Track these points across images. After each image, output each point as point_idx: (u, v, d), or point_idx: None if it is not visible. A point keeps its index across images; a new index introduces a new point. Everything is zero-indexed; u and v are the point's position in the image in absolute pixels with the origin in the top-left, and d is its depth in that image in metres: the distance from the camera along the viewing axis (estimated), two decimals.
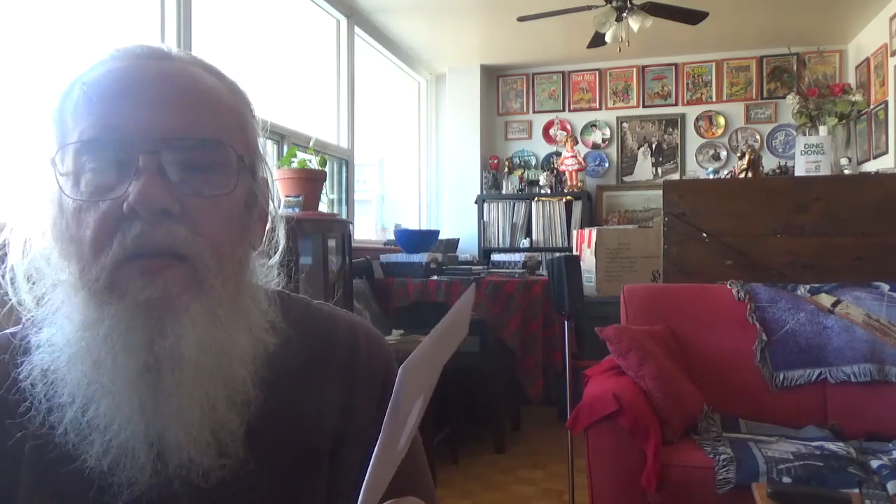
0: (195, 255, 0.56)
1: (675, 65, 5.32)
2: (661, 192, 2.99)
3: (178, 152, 0.56)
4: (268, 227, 0.69)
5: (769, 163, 4.96)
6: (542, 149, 5.61)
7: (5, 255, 0.62)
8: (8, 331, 0.64)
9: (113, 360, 0.55)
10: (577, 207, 5.14)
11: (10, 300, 0.61)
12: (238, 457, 0.57)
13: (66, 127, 0.58)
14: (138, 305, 0.54)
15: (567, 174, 5.23)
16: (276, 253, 0.71)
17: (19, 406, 0.57)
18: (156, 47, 0.62)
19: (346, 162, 4.32)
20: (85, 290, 0.56)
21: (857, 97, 4.54)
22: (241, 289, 0.61)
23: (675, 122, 5.33)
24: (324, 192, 2.96)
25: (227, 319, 0.58)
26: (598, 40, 3.87)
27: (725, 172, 5.04)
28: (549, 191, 5.25)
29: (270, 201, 0.67)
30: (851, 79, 4.86)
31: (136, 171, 0.54)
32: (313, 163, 2.90)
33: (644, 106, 5.40)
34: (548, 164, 5.53)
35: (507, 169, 5.56)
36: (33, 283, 0.60)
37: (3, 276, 0.62)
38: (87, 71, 0.60)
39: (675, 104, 5.34)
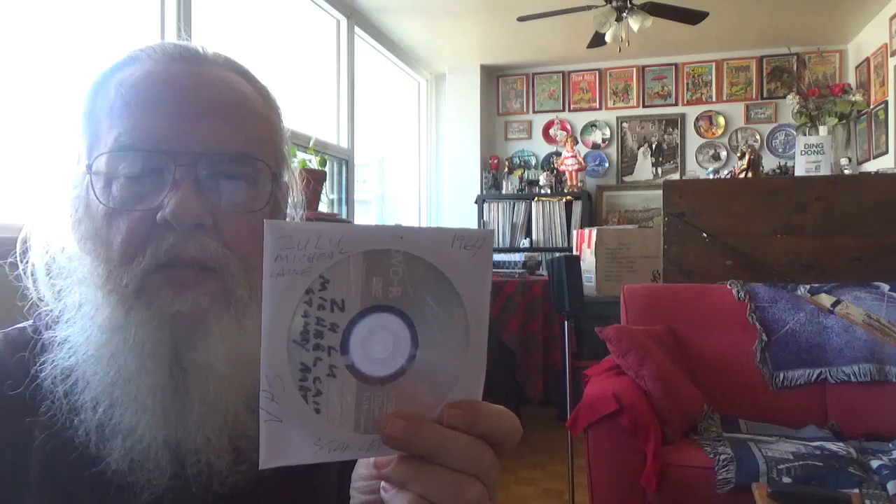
0: (225, 267, 0.56)
1: (675, 65, 5.32)
2: (661, 192, 2.99)
3: (213, 165, 0.57)
4: None
5: (769, 163, 4.96)
6: (542, 149, 5.60)
7: (27, 248, 0.62)
8: (22, 324, 0.64)
9: (139, 368, 0.55)
10: (577, 207, 5.14)
11: (30, 292, 0.61)
12: (255, 462, 0.58)
13: (99, 126, 0.58)
14: (166, 317, 0.55)
15: (567, 174, 5.23)
16: None
17: (40, 405, 0.57)
18: (191, 48, 0.62)
19: (346, 162, 4.32)
20: (112, 293, 0.56)
21: (857, 97, 4.54)
22: None
23: (675, 122, 5.33)
24: (324, 192, 2.96)
25: (254, 329, 0.57)
26: (598, 40, 3.87)
27: (725, 172, 5.04)
28: (549, 191, 5.25)
29: (292, 207, 0.68)
30: (851, 79, 4.86)
31: (174, 182, 0.55)
32: (313, 163, 2.91)
33: (644, 106, 5.40)
34: (548, 164, 5.53)
35: (507, 169, 5.56)
36: (52, 277, 0.60)
37: (25, 272, 0.62)
38: (119, 68, 0.59)
39: (675, 104, 5.34)
